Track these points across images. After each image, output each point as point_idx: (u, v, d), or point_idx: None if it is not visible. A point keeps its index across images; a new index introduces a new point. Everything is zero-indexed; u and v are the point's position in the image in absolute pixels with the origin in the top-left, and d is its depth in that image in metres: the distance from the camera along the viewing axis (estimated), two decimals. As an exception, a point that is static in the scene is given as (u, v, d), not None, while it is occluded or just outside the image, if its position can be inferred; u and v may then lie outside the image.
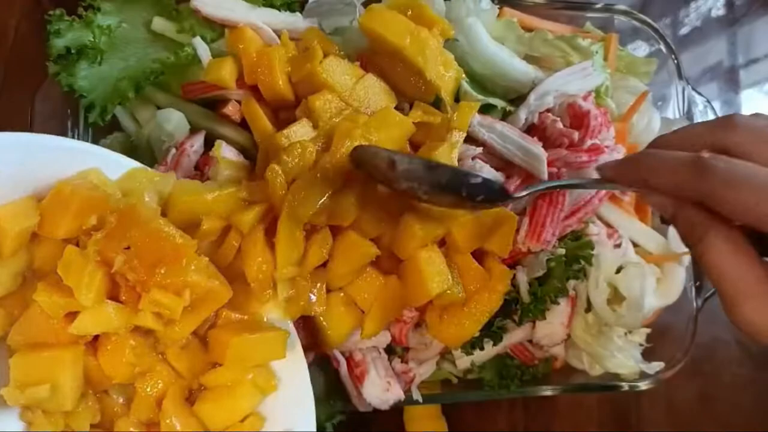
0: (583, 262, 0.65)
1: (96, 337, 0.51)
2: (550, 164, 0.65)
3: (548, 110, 0.69)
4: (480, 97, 0.67)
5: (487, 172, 0.65)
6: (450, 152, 0.61)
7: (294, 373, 0.56)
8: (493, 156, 0.67)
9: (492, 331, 0.67)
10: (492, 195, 0.52)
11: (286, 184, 0.56)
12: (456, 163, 0.61)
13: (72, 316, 0.48)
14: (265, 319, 0.56)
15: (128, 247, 0.49)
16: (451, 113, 0.63)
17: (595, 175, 0.64)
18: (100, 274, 0.48)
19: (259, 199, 0.58)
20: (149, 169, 0.56)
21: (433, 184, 0.51)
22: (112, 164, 0.54)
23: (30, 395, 0.47)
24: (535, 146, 0.65)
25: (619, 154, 0.66)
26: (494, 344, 0.68)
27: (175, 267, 0.49)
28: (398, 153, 0.54)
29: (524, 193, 0.54)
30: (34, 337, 0.49)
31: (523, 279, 0.65)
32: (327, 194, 0.55)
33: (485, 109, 0.67)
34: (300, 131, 0.60)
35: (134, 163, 0.55)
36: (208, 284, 0.51)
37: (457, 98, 0.67)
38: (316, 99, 0.60)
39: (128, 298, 0.50)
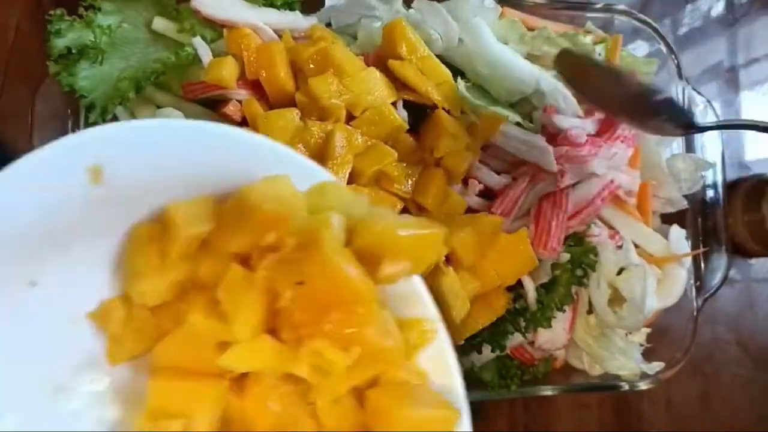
0: (586, 269, 0.65)
1: (243, 374, 0.44)
2: (555, 161, 0.65)
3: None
4: (503, 111, 0.68)
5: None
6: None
7: None
8: (495, 159, 0.67)
9: (495, 339, 0.67)
10: (676, 116, 0.55)
11: None
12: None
13: (224, 345, 0.41)
14: (431, 386, 0.47)
15: (301, 282, 0.41)
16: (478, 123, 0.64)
17: (597, 170, 0.65)
18: (263, 304, 0.41)
19: None
20: (342, 186, 0.49)
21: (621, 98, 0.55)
22: (304, 172, 0.46)
23: (162, 428, 0.41)
24: (538, 138, 0.65)
25: (618, 149, 0.66)
26: (492, 350, 0.68)
27: (349, 317, 0.41)
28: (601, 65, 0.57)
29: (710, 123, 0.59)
30: (179, 360, 0.43)
31: (530, 286, 0.65)
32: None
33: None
34: None
35: (327, 176, 0.48)
36: (382, 344, 0.42)
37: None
38: (315, 80, 0.60)
39: (288, 338, 0.42)
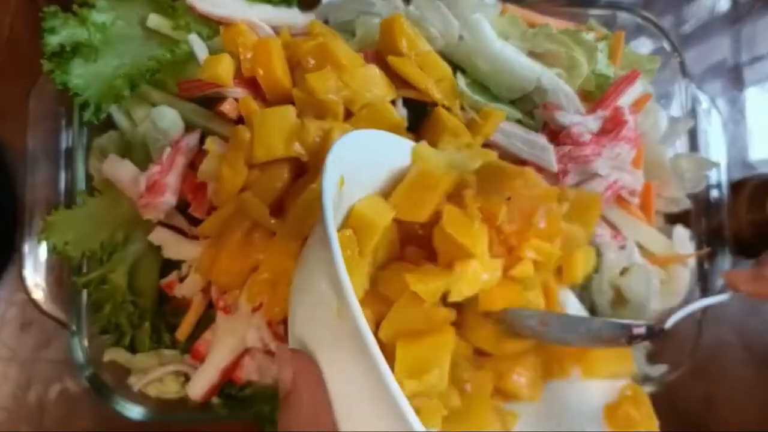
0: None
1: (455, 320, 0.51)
2: (557, 161, 0.65)
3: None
4: (504, 107, 0.67)
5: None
6: None
7: None
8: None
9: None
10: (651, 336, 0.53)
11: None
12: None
13: (442, 301, 0.48)
14: None
15: (509, 198, 0.49)
16: (478, 120, 0.64)
17: (601, 171, 0.64)
18: (485, 228, 0.48)
19: None
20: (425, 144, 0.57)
21: (592, 339, 0.52)
22: (402, 146, 0.54)
23: (425, 382, 0.46)
24: (539, 137, 0.65)
25: (621, 149, 0.65)
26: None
27: (550, 215, 0.50)
28: (549, 314, 0.54)
29: (672, 321, 0.54)
30: (408, 326, 0.48)
31: None
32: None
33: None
34: None
35: (412, 142, 0.56)
36: (572, 229, 0.53)
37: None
38: (313, 75, 0.59)
39: (499, 252, 0.50)
